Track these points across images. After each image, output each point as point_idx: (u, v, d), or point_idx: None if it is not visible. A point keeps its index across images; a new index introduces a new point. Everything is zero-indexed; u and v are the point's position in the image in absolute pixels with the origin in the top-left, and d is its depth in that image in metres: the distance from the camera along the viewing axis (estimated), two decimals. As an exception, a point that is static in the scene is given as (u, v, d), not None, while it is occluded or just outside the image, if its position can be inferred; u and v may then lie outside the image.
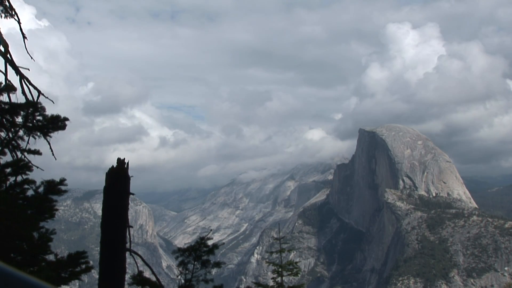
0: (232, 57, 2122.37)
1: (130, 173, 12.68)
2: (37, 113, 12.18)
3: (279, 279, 26.89)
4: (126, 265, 12.73)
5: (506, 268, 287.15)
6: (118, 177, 12.32)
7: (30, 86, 12.90)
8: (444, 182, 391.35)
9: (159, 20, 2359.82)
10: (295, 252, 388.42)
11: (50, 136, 12.36)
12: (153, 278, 14.01)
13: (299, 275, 31.90)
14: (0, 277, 4.31)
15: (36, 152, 12.26)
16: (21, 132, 12.11)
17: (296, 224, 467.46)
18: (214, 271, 16.71)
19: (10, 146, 12.10)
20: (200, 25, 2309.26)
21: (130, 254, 12.85)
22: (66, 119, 12.38)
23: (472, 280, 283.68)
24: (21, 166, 11.48)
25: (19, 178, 11.57)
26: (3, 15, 12.90)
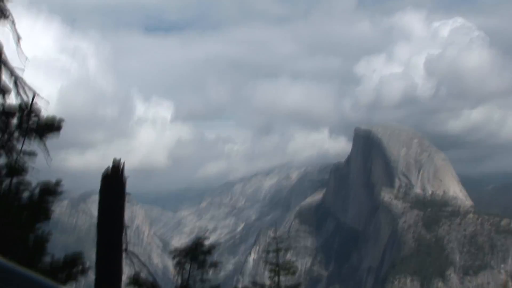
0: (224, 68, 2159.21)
1: (127, 174, 12.65)
2: (33, 114, 12.14)
3: (276, 278, 26.89)
4: (123, 266, 12.69)
5: (502, 266, 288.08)
6: (114, 177, 12.30)
7: (25, 87, 12.84)
8: (440, 180, 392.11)
9: (152, 35, 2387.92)
10: (292, 251, 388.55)
11: (46, 137, 12.32)
12: (150, 279, 13.98)
13: (296, 275, 31.92)
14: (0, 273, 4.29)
15: (32, 154, 12.21)
16: (16, 133, 12.06)
17: (293, 223, 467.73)
18: (210, 271, 16.70)
19: (5, 148, 12.05)
20: (189, 39, 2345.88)
21: (127, 255, 12.81)
22: (61, 120, 12.34)
23: (468, 278, 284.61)
24: (17, 168, 11.44)
25: (14, 180, 11.53)
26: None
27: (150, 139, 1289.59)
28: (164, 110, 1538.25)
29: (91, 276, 12.20)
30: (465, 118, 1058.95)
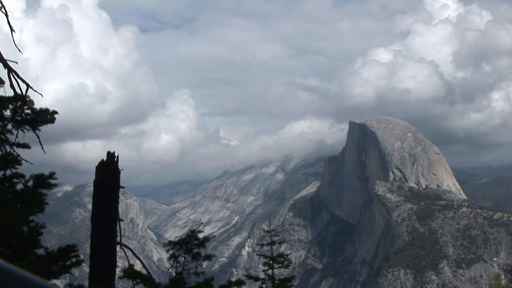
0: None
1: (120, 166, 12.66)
2: (26, 107, 12.11)
3: (270, 271, 26.94)
4: (117, 259, 12.72)
5: (495, 259, 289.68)
6: (108, 170, 12.31)
7: (18, 80, 12.79)
8: (434, 174, 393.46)
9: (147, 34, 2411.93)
10: (286, 244, 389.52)
11: (39, 130, 12.29)
12: (144, 271, 14.01)
13: (290, 267, 32.00)
14: None
15: (25, 146, 12.19)
16: (9, 126, 12.03)
17: (287, 216, 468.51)
18: (205, 264, 16.72)
19: (-1, 140, 12.02)
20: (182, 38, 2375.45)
21: (121, 248, 12.85)
22: (55, 112, 12.32)
23: (461, 271, 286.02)
24: (10, 160, 11.41)
25: (8, 172, 11.51)
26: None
27: (161, 132, 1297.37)
28: (172, 105, 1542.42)
29: (85, 268, 12.21)
30: (460, 113, 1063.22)
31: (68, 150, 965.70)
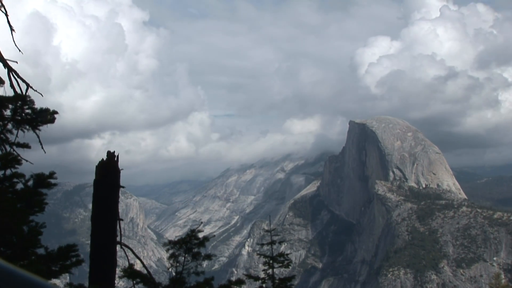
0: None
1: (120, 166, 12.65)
2: (26, 106, 12.11)
3: (270, 271, 26.93)
4: (117, 258, 12.72)
5: (495, 258, 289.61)
6: (108, 170, 12.30)
7: (18, 79, 12.78)
8: (434, 174, 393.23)
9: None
10: (286, 244, 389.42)
11: (39, 129, 12.28)
12: (144, 271, 14.01)
13: (290, 267, 32.01)
14: None
15: (25, 146, 12.18)
16: (9, 126, 12.02)
17: (287, 216, 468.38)
18: (205, 263, 16.73)
19: (-1, 140, 12.01)
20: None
21: (121, 247, 12.84)
22: (55, 112, 12.31)
23: (461, 271, 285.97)
24: (10, 160, 11.41)
25: (8, 172, 11.50)
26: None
27: (171, 133, 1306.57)
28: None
29: (85, 268, 12.20)
30: (461, 113, 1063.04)
31: (88, 148, 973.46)
